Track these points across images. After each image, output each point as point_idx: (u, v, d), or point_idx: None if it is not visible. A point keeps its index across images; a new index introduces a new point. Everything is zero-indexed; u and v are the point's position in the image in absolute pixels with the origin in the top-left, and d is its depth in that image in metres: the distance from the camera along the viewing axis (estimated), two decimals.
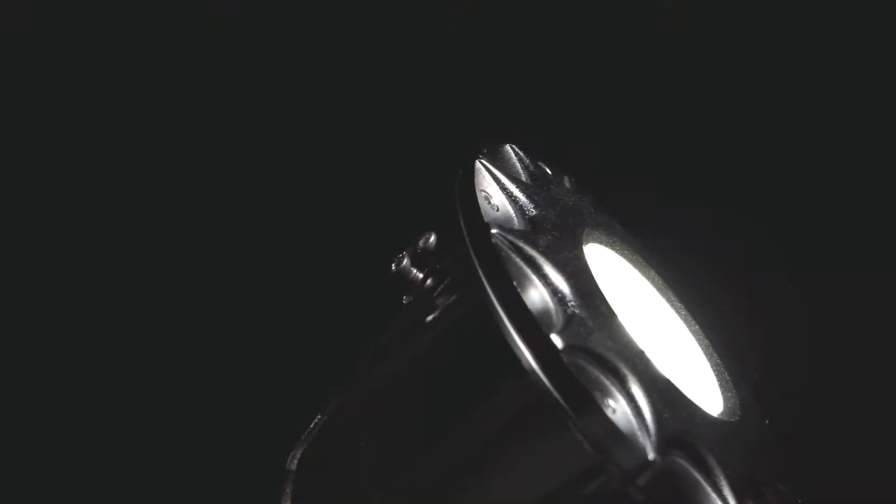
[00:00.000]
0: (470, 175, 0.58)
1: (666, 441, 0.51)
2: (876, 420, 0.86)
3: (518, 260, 0.53)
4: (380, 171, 0.98)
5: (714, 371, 0.68)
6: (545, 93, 1.01)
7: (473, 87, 1.01)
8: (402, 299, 0.65)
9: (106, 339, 0.94)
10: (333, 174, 0.99)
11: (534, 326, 0.50)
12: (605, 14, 1.01)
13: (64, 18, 1.02)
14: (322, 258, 0.95)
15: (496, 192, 0.59)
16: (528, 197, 0.60)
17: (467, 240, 0.53)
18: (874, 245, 0.92)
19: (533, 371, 0.49)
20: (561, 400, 0.48)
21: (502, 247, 0.53)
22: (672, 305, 0.70)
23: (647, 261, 0.71)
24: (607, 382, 0.51)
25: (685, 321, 0.70)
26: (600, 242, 0.66)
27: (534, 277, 0.53)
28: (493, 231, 0.54)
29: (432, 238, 0.63)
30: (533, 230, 0.58)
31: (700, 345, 0.70)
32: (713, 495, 0.53)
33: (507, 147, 0.65)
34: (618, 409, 0.50)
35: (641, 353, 0.54)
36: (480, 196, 0.57)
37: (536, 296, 0.53)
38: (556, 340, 0.50)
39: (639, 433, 0.50)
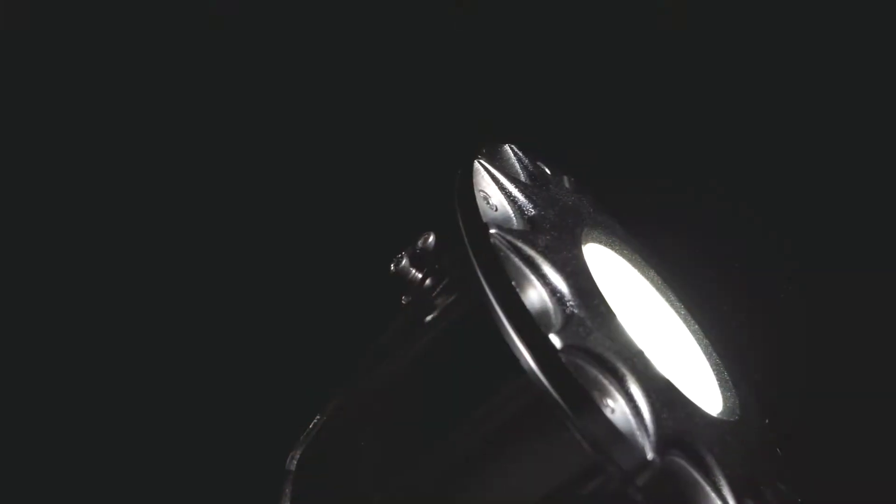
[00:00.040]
0: (469, 175, 0.58)
1: (665, 441, 0.51)
2: (876, 420, 0.86)
3: (517, 260, 0.53)
4: (379, 172, 0.98)
5: (713, 371, 0.68)
6: (545, 93, 1.01)
7: (473, 87, 1.01)
8: (401, 299, 0.65)
9: (106, 340, 0.94)
10: (333, 174, 0.99)
11: (532, 326, 0.50)
12: (605, 14, 1.01)
13: (64, 18, 1.02)
14: (321, 258, 0.95)
15: (495, 192, 0.59)
16: (526, 197, 0.60)
17: (466, 240, 0.53)
18: (874, 245, 0.92)
19: (531, 371, 0.49)
20: (559, 400, 0.48)
21: (501, 247, 0.53)
22: (671, 305, 0.70)
23: (647, 260, 0.71)
24: (606, 382, 0.51)
25: (684, 321, 0.70)
26: (599, 242, 0.66)
27: (532, 277, 0.53)
28: (492, 231, 0.54)
29: (431, 238, 0.63)
30: (532, 230, 0.58)
31: (699, 344, 0.70)
32: (712, 495, 0.52)
33: (506, 147, 0.65)
34: (616, 408, 0.50)
35: (640, 352, 0.54)
36: (479, 196, 0.57)
37: (535, 296, 0.53)
38: (555, 340, 0.50)
39: (637, 433, 0.50)
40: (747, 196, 0.95)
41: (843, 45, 0.95)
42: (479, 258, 0.52)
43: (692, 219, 0.94)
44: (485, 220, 0.55)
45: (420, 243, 0.64)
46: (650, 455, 0.49)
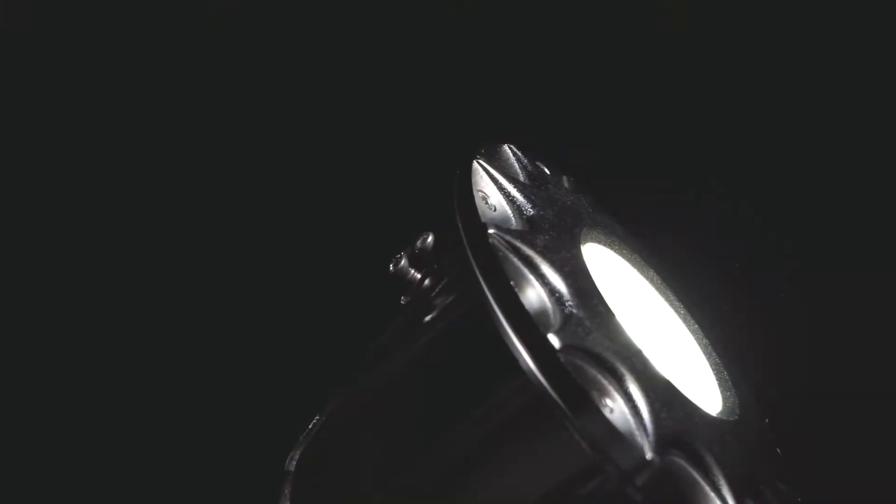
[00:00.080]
0: (467, 175, 0.58)
1: (664, 440, 0.51)
2: (876, 420, 0.86)
3: (515, 260, 0.53)
4: (379, 172, 0.98)
5: (713, 370, 0.68)
6: (545, 93, 1.01)
7: (473, 87, 1.01)
8: (400, 300, 0.65)
9: (106, 340, 0.94)
10: (332, 174, 0.99)
11: (531, 326, 0.50)
12: (605, 14, 1.01)
13: (64, 18, 1.02)
14: (321, 258, 0.95)
15: (494, 192, 0.59)
16: (525, 197, 0.60)
17: (464, 240, 0.53)
18: (874, 245, 0.92)
19: (530, 371, 0.49)
20: (558, 400, 0.48)
21: (499, 247, 0.53)
22: (671, 305, 0.70)
23: (646, 260, 0.71)
24: (605, 382, 0.51)
25: (684, 320, 0.70)
26: (599, 242, 0.66)
27: (531, 277, 0.53)
28: (491, 231, 0.54)
29: (430, 238, 0.63)
30: (530, 230, 0.58)
31: (699, 344, 0.70)
32: (711, 494, 0.52)
33: (505, 147, 0.65)
34: (615, 408, 0.50)
35: (639, 352, 0.54)
36: (478, 196, 0.57)
37: (534, 296, 0.53)
38: (554, 340, 0.50)
39: (636, 433, 0.50)
40: (747, 196, 0.95)
41: (843, 45, 0.95)
42: (478, 258, 0.52)
43: (692, 219, 0.94)
44: (483, 220, 0.55)
45: (419, 243, 0.64)
46: (649, 455, 0.49)
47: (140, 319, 0.95)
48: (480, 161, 0.60)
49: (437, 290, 0.62)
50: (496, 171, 0.60)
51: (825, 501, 0.77)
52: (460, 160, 0.60)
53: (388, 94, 1.01)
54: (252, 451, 0.81)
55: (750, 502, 0.55)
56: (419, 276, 0.63)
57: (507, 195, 0.59)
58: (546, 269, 0.54)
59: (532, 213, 0.59)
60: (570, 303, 0.53)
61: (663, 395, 0.53)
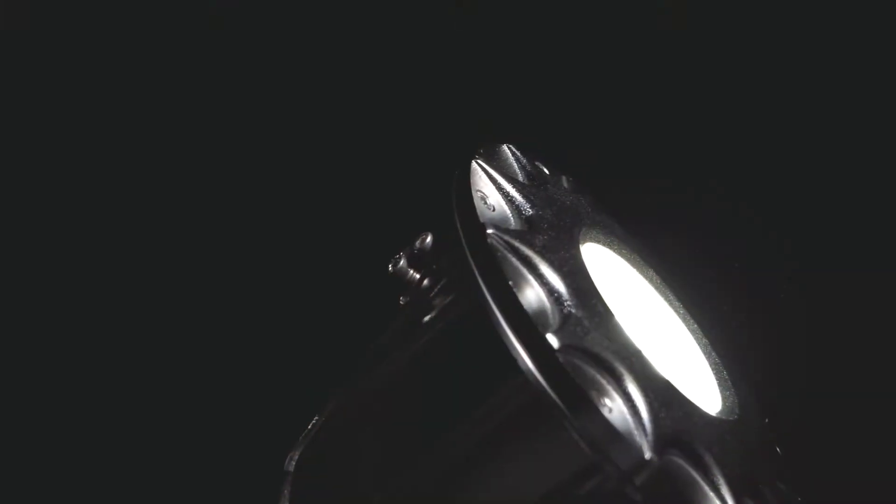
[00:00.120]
0: (466, 175, 0.58)
1: (663, 440, 0.51)
2: (876, 420, 0.86)
3: (514, 260, 0.53)
4: (378, 172, 0.98)
5: (713, 370, 0.68)
6: (545, 93, 1.01)
7: (473, 87, 1.01)
8: (399, 300, 0.65)
9: (106, 340, 0.94)
10: (332, 174, 0.99)
11: (530, 326, 0.50)
12: (606, 14, 1.01)
13: (64, 18, 1.02)
14: (320, 258, 0.95)
15: (492, 193, 0.59)
16: (524, 197, 0.60)
17: (463, 240, 0.53)
18: (874, 245, 0.92)
19: (529, 371, 0.49)
20: (557, 400, 0.48)
21: (498, 247, 0.53)
22: (670, 304, 0.70)
23: (646, 260, 0.71)
24: (604, 382, 0.51)
25: (683, 320, 0.70)
26: (598, 242, 0.66)
27: (530, 277, 0.53)
28: (489, 231, 0.54)
29: (429, 238, 0.63)
30: (529, 230, 0.58)
31: (699, 343, 0.70)
32: (711, 494, 0.52)
33: (504, 147, 0.65)
34: (614, 408, 0.50)
35: (638, 352, 0.54)
36: (476, 196, 0.57)
37: (532, 295, 0.53)
38: (553, 340, 0.50)
39: (635, 432, 0.50)
40: (747, 196, 0.95)
41: (843, 45, 0.95)
42: (477, 258, 0.52)
43: (692, 219, 0.94)
44: (482, 220, 0.55)
45: (418, 244, 0.64)
46: (648, 454, 0.49)
47: (140, 319, 0.95)
48: (479, 161, 0.60)
49: (436, 290, 0.62)
50: (495, 171, 0.60)
51: (825, 501, 0.77)
52: (459, 160, 0.60)
53: (388, 94, 1.01)
54: (252, 452, 0.81)
55: (749, 502, 0.55)
56: (418, 276, 0.63)
57: (505, 195, 0.59)
58: (545, 269, 0.54)
59: (531, 213, 0.59)
60: (568, 302, 0.53)
61: (662, 394, 0.53)
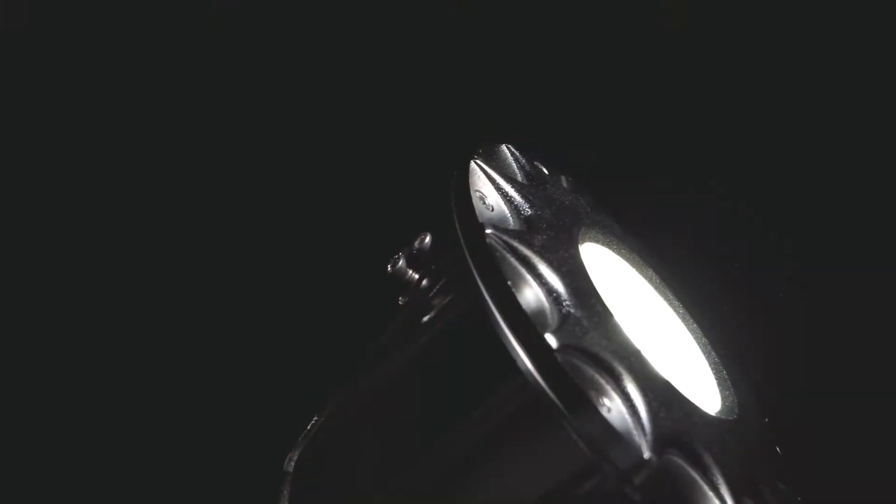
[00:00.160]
0: (465, 175, 0.58)
1: (662, 440, 0.51)
2: (876, 420, 0.86)
3: (513, 260, 0.53)
4: (378, 172, 0.98)
5: (712, 370, 0.68)
6: (545, 93, 1.01)
7: (473, 87, 1.01)
8: (398, 300, 0.65)
9: (105, 340, 0.94)
10: (331, 174, 0.99)
11: (528, 326, 0.50)
12: (606, 14, 1.01)
13: (64, 18, 1.02)
14: (319, 258, 0.95)
15: (491, 193, 0.59)
16: (523, 197, 0.60)
17: (462, 240, 0.53)
18: (874, 245, 0.92)
19: (528, 371, 0.49)
20: (556, 399, 0.48)
21: (497, 247, 0.53)
22: (670, 304, 0.70)
23: (645, 259, 0.71)
24: (602, 381, 0.51)
25: (683, 320, 0.70)
26: (597, 241, 0.66)
27: (528, 277, 0.53)
28: (488, 231, 0.54)
29: (428, 239, 0.63)
30: (528, 230, 0.58)
31: (698, 343, 0.70)
32: (710, 494, 0.52)
33: (503, 147, 0.65)
34: (613, 408, 0.50)
35: (637, 351, 0.54)
36: (475, 196, 0.57)
37: (531, 295, 0.53)
38: (551, 340, 0.50)
39: (634, 432, 0.50)
40: (747, 196, 0.95)
41: (843, 45, 0.95)
42: (475, 258, 0.52)
43: (692, 219, 0.94)
44: (481, 220, 0.55)
45: (417, 244, 0.64)
46: (647, 454, 0.49)
47: (140, 320, 0.95)
48: (478, 161, 0.60)
49: (435, 290, 0.62)
50: (494, 171, 0.60)
51: (825, 501, 0.77)
52: (458, 160, 0.60)
53: (388, 95, 1.01)
54: (252, 452, 0.81)
55: (749, 501, 0.55)
56: (417, 276, 0.63)
57: (504, 195, 0.59)
58: (543, 269, 0.54)
59: (530, 212, 0.60)
60: (567, 302, 0.53)
61: (661, 394, 0.53)
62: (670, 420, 0.52)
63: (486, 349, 0.50)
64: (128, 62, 1.02)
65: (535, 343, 0.49)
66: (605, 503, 0.51)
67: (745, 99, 0.97)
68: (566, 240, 0.59)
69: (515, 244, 0.54)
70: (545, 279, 0.54)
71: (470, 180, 0.58)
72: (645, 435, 0.50)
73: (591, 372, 0.50)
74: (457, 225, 0.54)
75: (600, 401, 0.49)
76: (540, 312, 0.52)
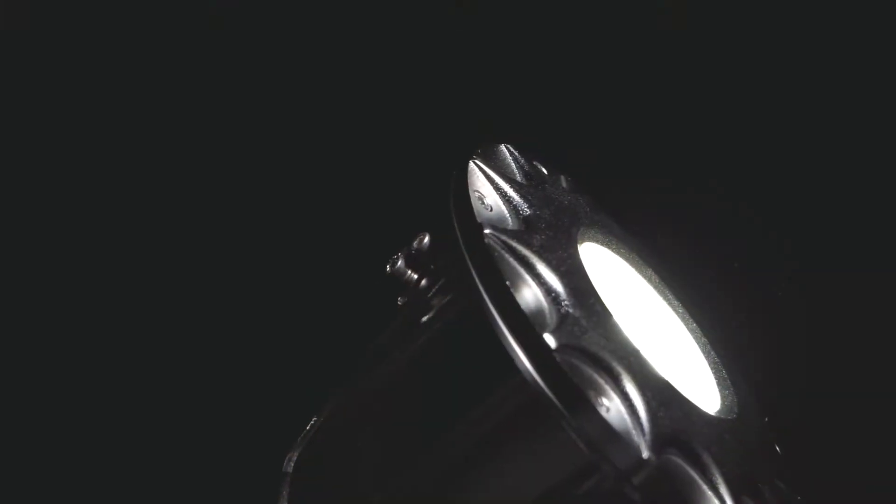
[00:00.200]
0: (463, 175, 0.58)
1: (661, 439, 0.51)
2: (876, 420, 0.86)
3: (511, 259, 0.53)
4: (377, 172, 0.98)
5: (712, 369, 0.68)
6: (545, 93, 1.01)
7: (473, 87, 1.01)
8: (397, 300, 0.65)
9: (105, 340, 0.94)
10: (331, 175, 0.99)
11: (527, 326, 0.50)
12: (606, 14, 1.01)
13: (64, 18, 1.02)
14: (318, 258, 0.95)
15: (490, 192, 0.59)
16: (521, 196, 0.60)
17: (460, 240, 0.53)
18: (874, 245, 0.92)
19: (526, 371, 0.49)
20: (554, 399, 0.48)
21: (495, 247, 0.53)
22: (669, 304, 0.70)
23: (645, 259, 0.71)
24: (601, 381, 0.51)
25: (682, 319, 0.70)
26: (596, 241, 0.66)
27: (527, 277, 0.53)
28: (487, 231, 0.54)
29: (426, 239, 0.63)
30: (527, 230, 0.58)
31: (697, 343, 0.70)
32: (709, 493, 0.52)
33: (502, 147, 0.65)
34: (612, 407, 0.50)
35: (636, 351, 0.54)
36: (474, 196, 0.57)
37: (530, 295, 0.53)
38: (550, 340, 0.50)
39: (633, 432, 0.50)
40: (747, 196, 0.95)
41: (843, 45, 0.95)
42: (474, 258, 0.52)
43: (692, 219, 0.94)
44: (479, 220, 0.55)
45: (415, 244, 0.64)
46: (646, 454, 0.49)
47: (140, 320, 0.95)
48: (477, 161, 0.60)
49: (433, 290, 0.62)
50: (493, 171, 0.60)
51: (825, 501, 0.77)
52: (457, 160, 0.60)
53: (388, 95, 1.01)
54: (251, 452, 0.81)
55: (748, 501, 0.55)
56: (416, 276, 0.63)
57: (503, 195, 0.59)
58: (542, 269, 0.54)
59: (528, 212, 0.60)
60: (566, 302, 0.53)
61: (660, 393, 0.53)
62: (669, 419, 0.52)
63: (485, 349, 0.50)
64: (128, 62, 1.02)
65: (534, 343, 0.49)
66: (605, 503, 0.51)
67: (744, 99, 0.97)
68: (565, 239, 0.59)
69: (514, 244, 0.54)
70: (544, 279, 0.54)
71: (469, 180, 0.58)
72: (644, 434, 0.50)
73: (589, 372, 0.51)
74: (455, 225, 0.54)
75: (599, 400, 0.49)
76: (539, 312, 0.52)
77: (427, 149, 0.92)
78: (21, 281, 0.97)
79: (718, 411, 0.62)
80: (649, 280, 0.70)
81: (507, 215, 0.59)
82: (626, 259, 0.69)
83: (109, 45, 1.02)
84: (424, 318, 0.60)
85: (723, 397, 0.65)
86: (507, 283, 0.51)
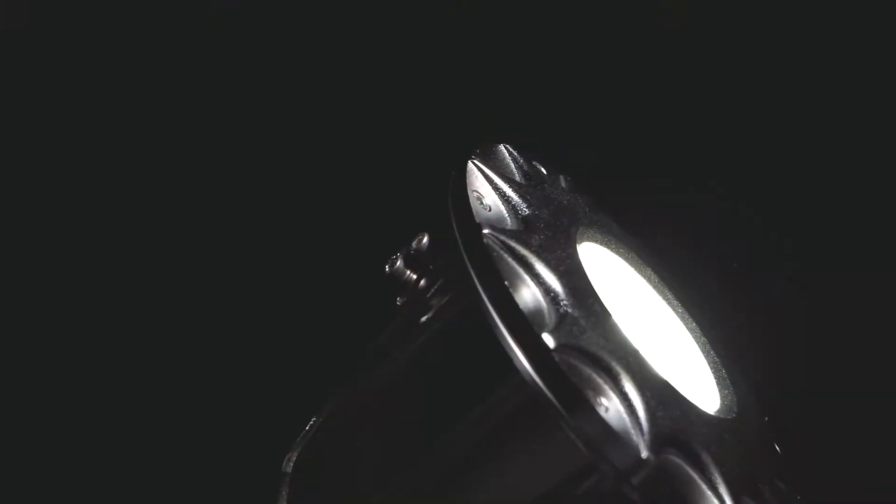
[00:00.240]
0: (462, 175, 0.58)
1: (660, 439, 0.51)
2: (876, 420, 0.86)
3: (510, 259, 0.53)
4: (377, 172, 0.98)
5: (711, 369, 0.68)
6: (545, 93, 1.01)
7: (473, 87, 1.01)
8: (397, 300, 0.65)
9: (105, 340, 0.94)
10: (330, 175, 0.99)
11: (525, 326, 0.50)
12: (606, 14, 1.01)
13: (64, 18, 1.02)
14: (317, 258, 0.95)
15: (488, 192, 0.59)
16: (520, 196, 0.60)
17: (459, 240, 0.53)
18: (874, 245, 0.92)
19: (525, 370, 0.49)
20: (553, 399, 0.48)
21: (494, 247, 0.53)
22: (669, 303, 0.70)
23: (644, 259, 0.71)
24: (600, 381, 0.51)
25: (682, 319, 0.70)
26: (595, 241, 0.66)
27: (526, 277, 0.53)
28: (485, 231, 0.54)
29: (425, 239, 0.63)
30: (525, 230, 0.58)
31: (697, 342, 0.69)
32: (708, 493, 0.52)
33: (501, 147, 0.65)
34: (611, 407, 0.50)
35: (635, 351, 0.54)
36: (473, 196, 0.57)
37: (528, 295, 0.53)
38: (549, 339, 0.50)
39: (632, 431, 0.50)
40: (747, 196, 0.95)
41: (843, 45, 0.95)
42: (472, 258, 0.52)
43: (692, 219, 0.94)
44: (478, 220, 0.55)
45: (414, 244, 0.64)
46: (645, 454, 0.49)
47: (139, 320, 0.95)
48: (476, 161, 0.60)
49: (432, 290, 0.62)
50: (491, 171, 0.60)
51: (825, 501, 0.77)
52: (457, 160, 0.60)
53: (388, 95, 1.01)
54: (251, 452, 0.81)
55: (748, 500, 0.55)
56: (415, 276, 0.63)
57: (502, 195, 0.59)
58: (541, 269, 0.54)
59: (527, 212, 0.59)
60: (565, 302, 0.53)
61: (659, 393, 0.53)
62: (668, 419, 0.52)
63: (484, 349, 0.50)
64: (128, 62, 1.02)
65: (533, 343, 0.49)
66: (604, 502, 0.51)
67: (744, 99, 0.97)
68: (564, 239, 0.59)
69: (513, 244, 0.54)
70: (542, 279, 0.54)
71: (467, 180, 0.58)
72: (643, 434, 0.50)
73: (588, 371, 0.50)
74: (454, 225, 0.54)
75: (598, 400, 0.49)
76: (537, 312, 0.52)
77: (426, 149, 0.92)
78: (21, 281, 0.97)
79: (718, 411, 0.62)
80: (648, 280, 0.70)
81: (506, 215, 0.59)
82: (626, 259, 0.69)
83: (109, 45, 1.02)
84: (423, 319, 0.60)
85: (722, 397, 0.65)
86: (506, 282, 0.51)
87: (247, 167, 1.00)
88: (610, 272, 0.65)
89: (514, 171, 0.64)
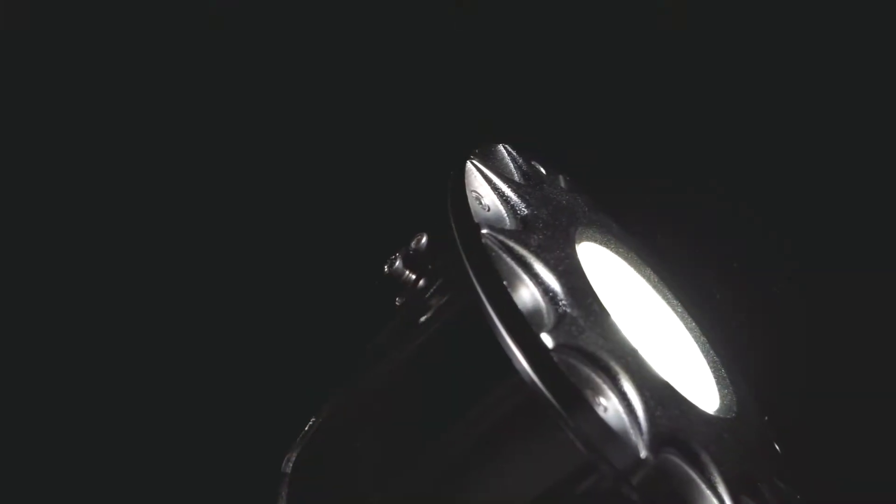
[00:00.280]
0: (461, 175, 0.58)
1: (659, 439, 0.51)
2: (876, 420, 0.86)
3: (508, 259, 0.53)
4: (376, 173, 0.98)
5: (711, 368, 0.68)
6: (545, 93, 1.01)
7: (473, 87, 1.01)
8: (395, 301, 0.65)
9: (104, 340, 0.94)
10: (329, 175, 0.99)
11: (524, 325, 0.50)
12: (606, 14, 1.01)
13: (64, 18, 1.02)
14: (316, 259, 0.95)
15: (487, 192, 0.59)
16: (519, 196, 0.60)
17: (458, 240, 0.53)
18: (874, 245, 0.92)
19: (523, 370, 0.49)
20: (552, 399, 0.48)
21: (493, 247, 0.53)
22: (668, 303, 0.70)
23: (643, 259, 0.71)
24: (599, 381, 0.51)
25: (681, 318, 0.70)
26: (594, 241, 0.66)
27: (524, 277, 0.53)
28: (484, 231, 0.54)
29: (424, 239, 0.63)
30: (524, 229, 0.58)
31: (696, 342, 0.70)
32: (708, 493, 0.52)
33: (500, 147, 0.65)
34: (609, 407, 0.50)
35: (634, 350, 0.54)
36: (471, 196, 0.57)
37: (527, 295, 0.53)
38: (547, 339, 0.50)
39: (631, 431, 0.50)
40: (747, 196, 0.95)
41: (843, 45, 0.95)
42: (471, 258, 0.52)
43: (692, 219, 0.94)
44: (477, 220, 0.55)
45: (413, 244, 0.64)
46: (644, 453, 0.49)
47: (139, 320, 0.95)
48: (474, 161, 0.60)
49: (431, 290, 0.62)
50: (490, 170, 0.60)
51: (825, 501, 0.77)
52: (456, 160, 0.60)
53: (388, 95, 1.01)
54: (250, 453, 0.81)
55: (747, 500, 0.55)
56: (414, 276, 0.63)
57: (500, 195, 0.59)
58: (539, 269, 0.54)
59: (526, 212, 0.60)
60: (563, 302, 0.53)
61: (658, 393, 0.53)
62: (667, 419, 0.52)
63: (483, 349, 0.50)
64: (128, 62, 1.02)
65: (531, 342, 0.49)
66: (603, 503, 0.51)
67: (744, 99, 0.97)
68: (563, 239, 0.59)
69: (511, 244, 0.54)
70: (541, 279, 0.54)
71: (466, 180, 0.58)
72: (642, 434, 0.50)
73: (587, 371, 0.51)
74: (453, 225, 0.54)
75: (596, 400, 0.49)
76: (536, 312, 0.52)
77: (426, 149, 0.92)
78: (21, 281, 0.97)
79: (717, 410, 0.62)
80: (648, 279, 0.70)
81: (505, 215, 0.59)
82: (625, 258, 0.69)
83: (109, 45, 1.02)
84: (422, 319, 0.60)
85: (722, 396, 0.65)
86: (505, 282, 0.51)
87: (246, 167, 1.00)
88: (609, 272, 0.65)
89: (513, 171, 0.64)
